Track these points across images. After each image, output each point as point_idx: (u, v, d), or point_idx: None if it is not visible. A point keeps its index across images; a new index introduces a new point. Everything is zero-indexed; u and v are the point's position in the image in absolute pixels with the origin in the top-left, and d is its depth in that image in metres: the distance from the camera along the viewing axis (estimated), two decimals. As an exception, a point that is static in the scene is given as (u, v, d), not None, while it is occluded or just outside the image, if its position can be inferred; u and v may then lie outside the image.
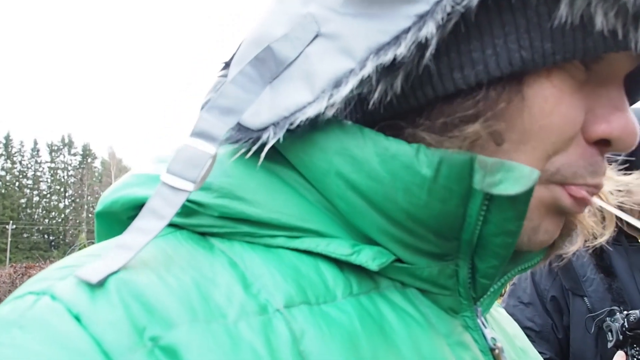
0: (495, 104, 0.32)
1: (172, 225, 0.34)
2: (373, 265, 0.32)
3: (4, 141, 52.43)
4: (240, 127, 0.34)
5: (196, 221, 0.33)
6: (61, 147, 54.16)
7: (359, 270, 0.34)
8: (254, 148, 0.33)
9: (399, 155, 0.31)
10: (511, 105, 0.32)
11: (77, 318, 0.26)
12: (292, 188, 0.34)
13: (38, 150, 53.81)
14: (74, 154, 54.29)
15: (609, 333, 1.13)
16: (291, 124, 0.32)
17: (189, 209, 0.33)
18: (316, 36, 0.34)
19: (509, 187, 0.30)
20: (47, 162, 54.02)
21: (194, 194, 0.33)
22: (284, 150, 0.35)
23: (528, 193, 0.30)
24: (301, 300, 0.31)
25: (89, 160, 54.26)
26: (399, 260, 0.34)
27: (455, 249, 0.34)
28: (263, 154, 0.33)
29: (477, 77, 0.31)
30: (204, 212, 0.33)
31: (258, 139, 0.33)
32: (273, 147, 0.34)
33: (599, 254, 1.29)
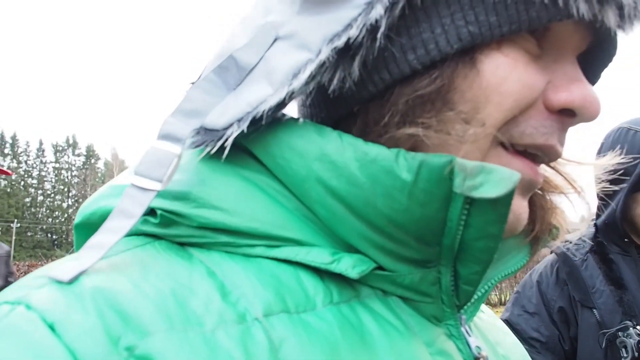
0: (452, 79, 0.33)
1: (151, 235, 0.34)
2: (353, 274, 0.32)
3: (10, 141, 52.71)
4: (205, 131, 0.34)
5: (175, 231, 0.33)
6: (65, 147, 54.39)
7: (339, 278, 0.33)
8: (219, 144, 0.33)
9: (378, 160, 0.31)
10: (467, 79, 0.33)
11: (51, 327, 0.25)
12: (270, 196, 0.34)
13: (43, 151, 54.07)
14: (78, 155, 54.52)
15: (623, 349, 1.08)
16: (255, 117, 0.32)
17: (168, 219, 0.33)
18: (275, 40, 0.35)
19: (490, 190, 0.30)
20: (51, 162, 54.27)
21: (172, 204, 0.33)
22: (262, 157, 0.34)
23: (509, 196, 0.30)
24: (280, 309, 0.30)
25: (93, 161, 54.48)
26: (380, 267, 0.34)
27: (437, 255, 0.34)
28: (228, 146, 0.32)
29: (430, 56, 0.32)
30: (183, 223, 0.33)
31: (222, 136, 0.33)
32: (251, 155, 0.35)
33: (609, 265, 1.24)
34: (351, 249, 0.34)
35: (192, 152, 0.36)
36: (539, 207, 0.42)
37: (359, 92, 0.34)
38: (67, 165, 54.35)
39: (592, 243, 1.25)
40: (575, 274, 1.24)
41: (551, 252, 1.31)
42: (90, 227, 0.36)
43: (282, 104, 0.32)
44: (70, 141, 54.55)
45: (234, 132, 0.32)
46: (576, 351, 1.22)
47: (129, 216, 0.31)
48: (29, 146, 53.79)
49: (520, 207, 0.36)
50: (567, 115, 0.35)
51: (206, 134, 0.34)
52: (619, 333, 1.11)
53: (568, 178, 0.43)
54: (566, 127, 0.37)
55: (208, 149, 0.33)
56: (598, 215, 1.25)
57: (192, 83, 0.40)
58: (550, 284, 1.26)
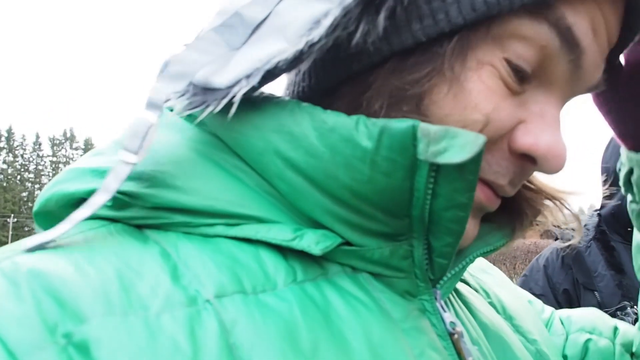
0: (439, 74, 0.31)
1: (106, 219, 0.32)
2: (316, 250, 0.31)
3: (5, 134, 52.55)
4: (205, 90, 0.31)
5: (129, 213, 0.31)
6: (63, 141, 54.25)
7: (304, 256, 0.32)
8: (224, 102, 0.30)
9: (337, 128, 0.29)
10: (451, 84, 0.31)
11: None
12: (229, 173, 0.32)
13: (40, 144, 53.91)
14: (76, 148, 54.39)
15: None
16: (268, 71, 0.29)
17: (122, 201, 0.31)
18: None
19: (454, 155, 0.28)
20: (48, 156, 54.14)
21: (124, 184, 0.31)
22: (220, 133, 0.33)
23: (476, 161, 0.29)
24: (235, 290, 0.29)
25: (91, 155, 54.29)
26: (347, 243, 0.33)
27: (408, 227, 0.32)
28: (235, 104, 0.30)
29: (438, 27, 0.31)
30: (136, 204, 0.31)
31: (227, 94, 0.30)
32: (209, 132, 0.33)
33: (610, 252, 1.34)
34: (316, 224, 0.32)
35: (176, 136, 0.34)
36: (523, 198, 0.41)
37: (350, 62, 0.33)
38: (64, 159, 54.23)
39: (595, 231, 1.36)
40: (580, 259, 1.35)
41: (556, 239, 1.41)
42: (48, 213, 0.34)
43: (300, 57, 0.29)
44: (68, 134, 54.46)
45: (242, 89, 0.29)
46: (578, 331, 1.32)
47: (106, 190, 0.29)
48: (25, 140, 53.61)
49: (472, 226, 0.36)
50: (529, 161, 0.34)
51: (206, 94, 0.31)
52: (618, 312, 1.22)
53: (552, 193, 0.42)
54: (526, 172, 0.35)
55: (210, 108, 0.30)
56: (602, 206, 1.36)
57: (186, 45, 0.35)
58: (556, 268, 1.37)
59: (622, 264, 1.32)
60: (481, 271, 0.52)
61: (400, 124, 0.29)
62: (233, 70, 0.30)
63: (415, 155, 0.29)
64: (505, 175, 0.34)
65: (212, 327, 0.27)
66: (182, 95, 0.31)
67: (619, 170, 0.47)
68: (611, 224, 1.35)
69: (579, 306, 1.34)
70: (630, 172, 0.45)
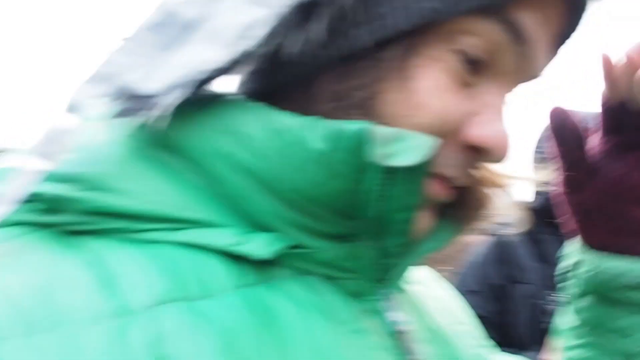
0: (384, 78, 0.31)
1: (34, 224, 0.29)
2: (262, 254, 0.30)
3: None
4: (133, 97, 0.29)
5: (60, 219, 0.29)
6: (-18, 149, 50.47)
7: (251, 260, 0.31)
8: (156, 113, 0.28)
9: (288, 130, 0.29)
10: (398, 82, 0.31)
11: None
12: (173, 174, 0.31)
13: None
14: None
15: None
16: (199, 81, 0.28)
17: (51, 205, 0.29)
18: None
19: (405, 158, 0.29)
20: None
21: (55, 187, 0.29)
22: (164, 132, 0.31)
23: (426, 164, 0.30)
24: (172, 298, 0.27)
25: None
26: (297, 245, 0.32)
27: (358, 228, 0.32)
28: (169, 117, 0.28)
29: (385, 31, 0.30)
30: (69, 208, 0.29)
31: (155, 104, 0.28)
32: (152, 130, 0.31)
33: (538, 245, 1.39)
34: (266, 227, 0.31)
35: (108, 136, 0.32)
36: (470, 192, 0.41)
37: (294, 66, 0.32)
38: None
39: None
40: (512, 253, 1.38)
41: (488, 235, 1.45)
42: None
43: (234, 66, 0.29)
44: (-13, 143, 50.73)
45: (176, 99, 0.28)
46: (511, 324, 1.36)
47: (7, 201, 0.27)
48: None
49: (427, 217, 0.35)
50: (478, 151, 0.34)
51: (134, 100, 0.29)
52: (550, 303, 1.26)
53: (499, 181, 0.42)
54: (476, 161, 0.35)
55: (141, 119, 0.28)
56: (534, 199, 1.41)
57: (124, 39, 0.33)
58: (489, 263, 1.40)
59: (550, 255, 1.37)
60: (433, 281, 0.53)
61: (351, 127, 0.29)
62: (164, 76, 0.29)
63: (366, 158, 0.29)
64: (458, 167, 0.34)
65: (140, 339, 0.25)
66: (115, 100, 0.29)
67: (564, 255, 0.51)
68: (539, 217, 1.39)
69: (514, 300, 1.38)
70: (577, 263, 0.50)
